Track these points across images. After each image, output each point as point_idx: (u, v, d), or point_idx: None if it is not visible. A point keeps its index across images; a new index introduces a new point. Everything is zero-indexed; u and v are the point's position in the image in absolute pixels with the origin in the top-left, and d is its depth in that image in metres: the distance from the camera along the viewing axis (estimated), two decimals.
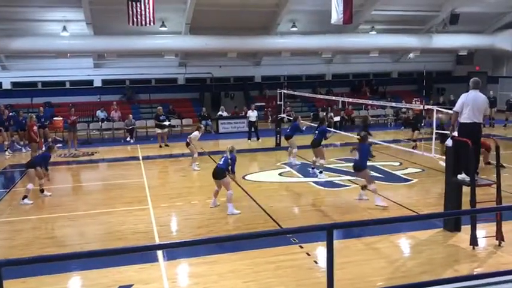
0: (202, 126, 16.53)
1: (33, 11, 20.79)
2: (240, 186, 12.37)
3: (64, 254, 6.66)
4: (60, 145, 19.57)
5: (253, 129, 20.33)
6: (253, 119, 20.30)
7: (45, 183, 11.77)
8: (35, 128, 16.65)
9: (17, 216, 10.36)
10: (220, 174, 10.15)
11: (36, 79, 25.11)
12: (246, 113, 21.70)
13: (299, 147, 15.15)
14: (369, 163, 14.65)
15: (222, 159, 10.29)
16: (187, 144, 14.92)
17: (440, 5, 24.05)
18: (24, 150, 18.30)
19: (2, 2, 19.35)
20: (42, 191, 11.68)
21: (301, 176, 13.57)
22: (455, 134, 8.39)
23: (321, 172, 13.21)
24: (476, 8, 24.11)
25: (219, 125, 22.82)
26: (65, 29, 21.01)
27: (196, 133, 15.01)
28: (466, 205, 8.27)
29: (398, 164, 14.70)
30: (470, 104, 8.18)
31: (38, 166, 11.43)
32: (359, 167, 10.75)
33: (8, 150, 17.99)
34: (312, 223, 9.12)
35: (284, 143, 16.37)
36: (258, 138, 20.07)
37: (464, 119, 8.24)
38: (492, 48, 27.16)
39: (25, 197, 11.12)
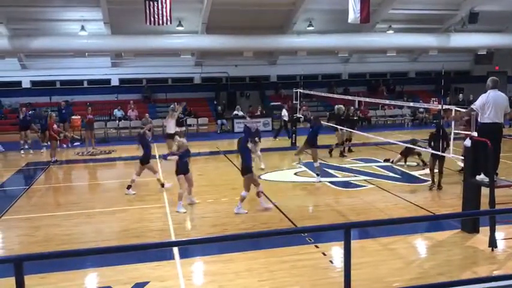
0: None
1: (52, 10, 21.09)
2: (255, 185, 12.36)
3: (82, 249, 6.73)
4: (78, 143, 19.85)
5: (283, 128, 20.38)
6: (286, 118, 20.27)
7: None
8: (55, 126, 16.91)
9: (36, 213, 10.51)
10: None
11: (54, 78, 25.47)
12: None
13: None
14: (385, 164, 14.64)
15: None
16: None
17: (458, 4, 23.74)
18: (44, 149, 18.49)
19: (22, 2, 19.68)
20: (162, 185, 12.17)
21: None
22: (475, 134, 8.26)
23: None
24: (496, 6, 23.71)
25: (234, 124, 22.88)
26: (83, 28, 21.25)
27: None
28: (484, 206, 8.15)
29: (415, 164, 14.56)
30: (492, 105, 8.05)
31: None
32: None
33: (23, 150, 18.25)
34: (327, 223, 9.08)
35: (299, 142, 16.26)
36: (275, 137, 20.09)
37: (485, 119, 8.12)
38: None
39: (129, 187, 11.70)
